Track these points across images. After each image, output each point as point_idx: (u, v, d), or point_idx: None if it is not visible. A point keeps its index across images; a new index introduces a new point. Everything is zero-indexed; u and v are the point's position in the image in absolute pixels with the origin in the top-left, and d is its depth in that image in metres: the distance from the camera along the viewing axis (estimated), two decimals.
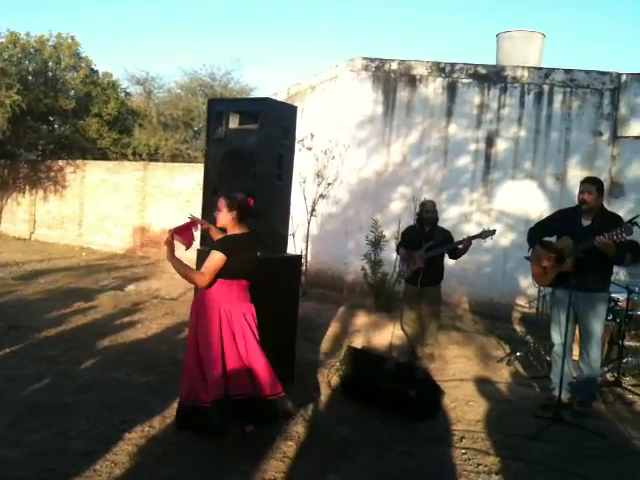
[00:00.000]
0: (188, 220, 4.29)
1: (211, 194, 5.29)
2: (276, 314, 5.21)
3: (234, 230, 4.08)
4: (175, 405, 4.27)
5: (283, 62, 44.00)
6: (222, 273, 3.91)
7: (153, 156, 19.44)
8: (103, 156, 18.86)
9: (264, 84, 26.57)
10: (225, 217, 4.06)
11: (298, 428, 4.39)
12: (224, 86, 22.97)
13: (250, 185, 4.98)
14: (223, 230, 4.18)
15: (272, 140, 5.07)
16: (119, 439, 4.02)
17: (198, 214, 5.44)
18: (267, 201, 5.08)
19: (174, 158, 19.71)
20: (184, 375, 4.07)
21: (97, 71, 19.25)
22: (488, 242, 6.82)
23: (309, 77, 11.60)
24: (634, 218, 5.53)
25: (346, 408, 4.88)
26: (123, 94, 20.67)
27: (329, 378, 5.41)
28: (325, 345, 6.86)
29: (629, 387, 5.91)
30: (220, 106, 5.36)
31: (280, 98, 10.29)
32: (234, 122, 5.21)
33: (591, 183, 5.12)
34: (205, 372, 3.87)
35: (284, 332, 5.34)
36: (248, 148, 5.02)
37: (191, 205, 12.68)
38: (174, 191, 14.26)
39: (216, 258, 3.87)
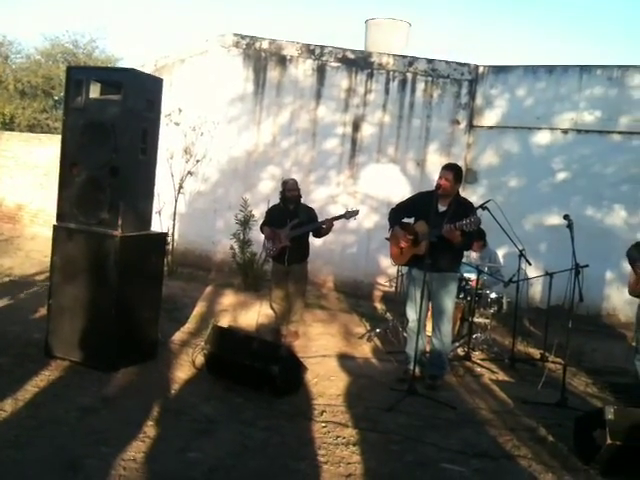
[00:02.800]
0: None
1: (69, 167, 5.04)
2: (139, 292, 5.10)
3: None
4: (29, 388, 4.05)
5: (152, 33, 42.36)
6: None
7: (8, 125, 18.06)
8: None
9: (131, 55, 25.52)
10: None
11: (160, 408, 4.32)
12: (88, 55, 21.75)
13: (111, 159, 4.81)
14: None
15: (136, 113, 4.90)
16: None
17: (56, 188, 5.18)
18: (130, 176, 4.92)
19: (32, 128, 18.43)
20: None
21: None
22: (352, 223, 7.04)
23: (178, 50, 11.28)
24: (485, 203, 5.95)
25: (210, 387, 4.88)
26: None
27: (193, 357, 5.37)
28: (191, 325, 6.79)
29: (478, 361, 6.37)
30: (80, 74, 5.07)
31: (147, 70, 9.91)
32: (95, 92, 4.96)
33: (449, 169, 5.41)
34: None
35: (147, 311, 5.24)
36: (109, 120, 4.82)
37: (50, 179, 11.97)
38: (30, 163, 13.37)
39: None
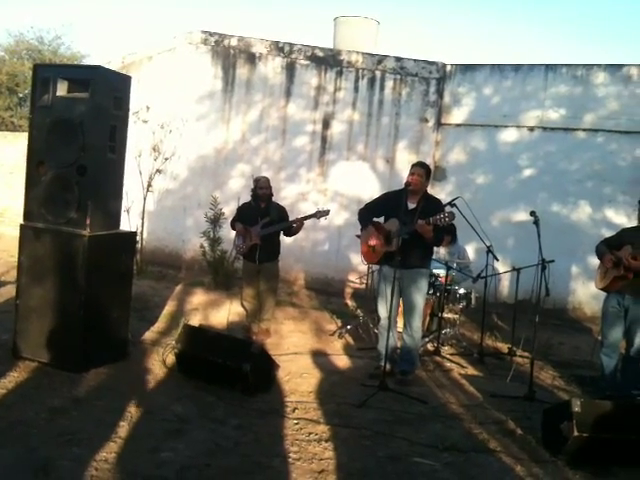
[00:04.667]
0: None
1: (36, 166, 4.97)
2: (108, 292, 5.05)
3: None
4: None
5: (119, 29, 41.82)
6: None
7: None
8: None
9: (98, 52, 25.15)
10: None
11: (131, 408, 4.30)
12: (54, 51, 21.41)
13: (79, 157, 4.75)
14: None
15: (103, 110, 4.85)
16: None
17: (22, 187, 5.10)
18: (98, 174, 4.87)
19: None
20: None
21: None
22: (323, 221, 7.06)
23: (146, 47, 11.17)
24: (453, 200, 6.03)
25: (182, 386, 4.86)
26: None
27: (164, 357, 5.34)
28: (161, 324, 6.74)
29: (447, 356, 6.45)
30: (47, 72, 4.99)
31: (114, 67, 9.79)
32: (62, 90, 4.89)
33: (420, 167, 5.47)
34: None
35: (117, 311, 5.19)
36: (77, 118, 4.76)
37: (16, 177, 11.75)
38: None
39: None
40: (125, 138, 5.19)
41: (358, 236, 5.88)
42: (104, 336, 5.07)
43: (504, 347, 6.92)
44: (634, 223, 5.71)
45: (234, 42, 10.50)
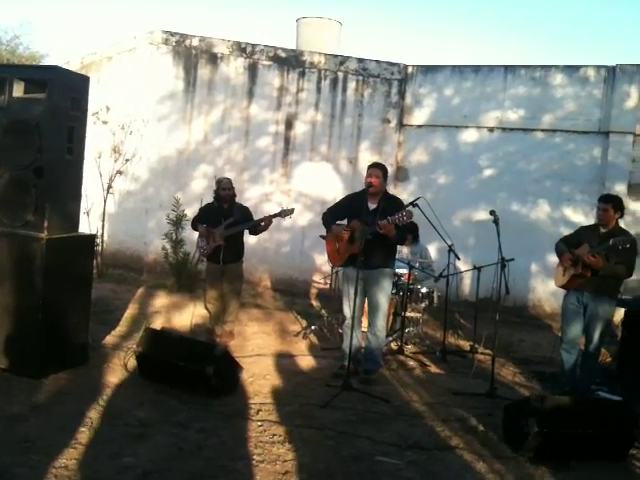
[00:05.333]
0: None
1: None
2: (67, 296, 4.96)
3: None
4: None
5: (79, 29, 41.11)
6: None
7: None
8: None
9: (57, 52, 24.71)
10: None
11: (92, 413, 4.23)
12: (11, 51, 20.99)
13: (36, 159, 4.67)
14: None
15: (61, 111, 4.76)
16: None
17: None
18: (56, 176, 4.79)
19: None
20: None
21: None
22: (287, 221, 7.06)
23: (106, 47, 11.00)
24: (415, 200, 6.07)
25: (143, 390, 4.79)
26: None
27: (125, 361, 5.27)
28: (122, 328, 6.65)
29: (410, 354, 6.50)
30: (3, 72, 4.90)
31: (74, 67, 9.64)
32: (19, 90, 4.80)
33: (378, 168, 5.52)
34: None
35: (76, 315, 5.10)
36: (34, 119, 4.67)
37: None
38: None
39: None
40: (83, 139, 5.11)
41: (322, 237, 5.90)
42: (63, 341, 4.98)
43: (466, 345, 7.01)
44: (592, 221, 5.86)
45: (195, 42, 10.42)
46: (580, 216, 8.47)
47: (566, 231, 6.63)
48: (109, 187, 9.62)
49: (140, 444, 3.83)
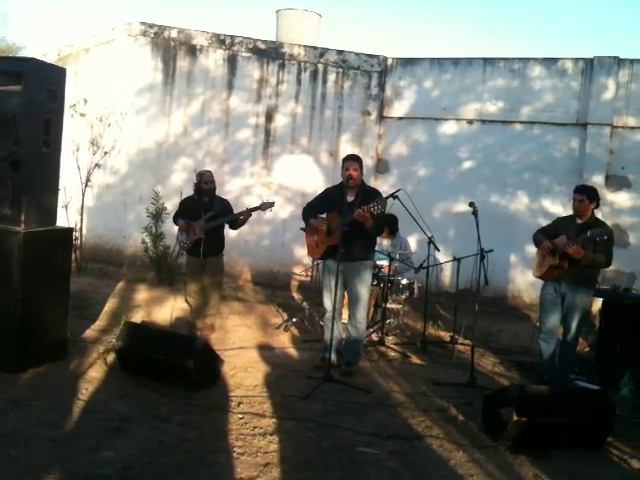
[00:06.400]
0: None
1: None
2: (45, 290, 4.91)
3: None
4: None
5: (56, 21, 40.52)
6: None
7: None
8: None
9: (34, 44, 24.35)
10: None
11: (71, 408, 4.20)
12: None
13: (12, 152, 4.60)
14: None
15: (37, 103, 4.70)
16: None
17: None
18: (32, 169, 4.73)
19: None
20: None
21: None
22: (268, 214, 7.03)
23: (83, 38, 10.87)
24: (395, 192, 6.10)
25: (123, 384, 4.76)
26: None
27: (105, 355, 5.23)
28: (101, 322, 6.59)
29: (391, 345, 6.54)
30: None
31: (51, 59, 9.50)
32: None
33: (354, 160, 5.51)
34: None
35: (54, 309, 5.05)
36: (10, 111, 4.61)
37: None
38: None
39: None
40: (60, 132, 5.05)
41: (303, 229, 5.89)
42: (42, 335, 4.93)
43: (446, 336, 7.06)
44: (570, 212, 5.92)
45: (174, 34, 10.33)
46: (558, 207, 8.55)
47: (544, 222, 6.70)
48: (87, 180, 9.52)
49: (120, 438, 3.81)
